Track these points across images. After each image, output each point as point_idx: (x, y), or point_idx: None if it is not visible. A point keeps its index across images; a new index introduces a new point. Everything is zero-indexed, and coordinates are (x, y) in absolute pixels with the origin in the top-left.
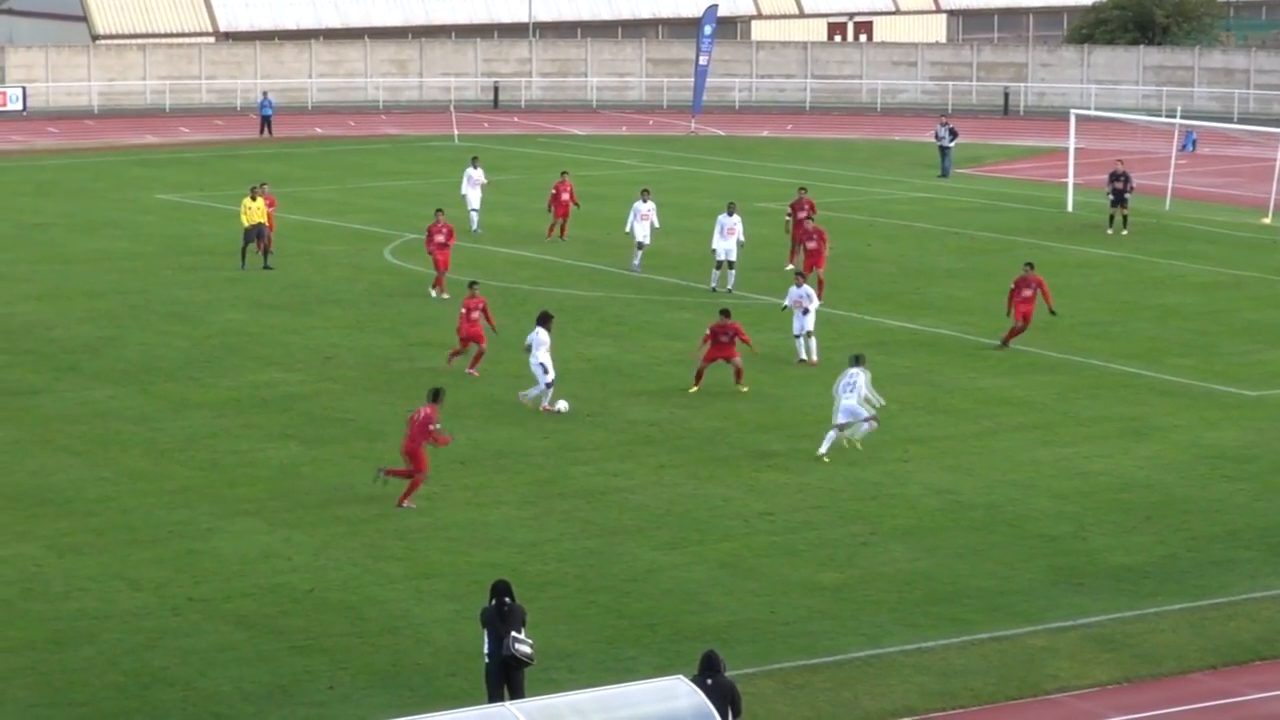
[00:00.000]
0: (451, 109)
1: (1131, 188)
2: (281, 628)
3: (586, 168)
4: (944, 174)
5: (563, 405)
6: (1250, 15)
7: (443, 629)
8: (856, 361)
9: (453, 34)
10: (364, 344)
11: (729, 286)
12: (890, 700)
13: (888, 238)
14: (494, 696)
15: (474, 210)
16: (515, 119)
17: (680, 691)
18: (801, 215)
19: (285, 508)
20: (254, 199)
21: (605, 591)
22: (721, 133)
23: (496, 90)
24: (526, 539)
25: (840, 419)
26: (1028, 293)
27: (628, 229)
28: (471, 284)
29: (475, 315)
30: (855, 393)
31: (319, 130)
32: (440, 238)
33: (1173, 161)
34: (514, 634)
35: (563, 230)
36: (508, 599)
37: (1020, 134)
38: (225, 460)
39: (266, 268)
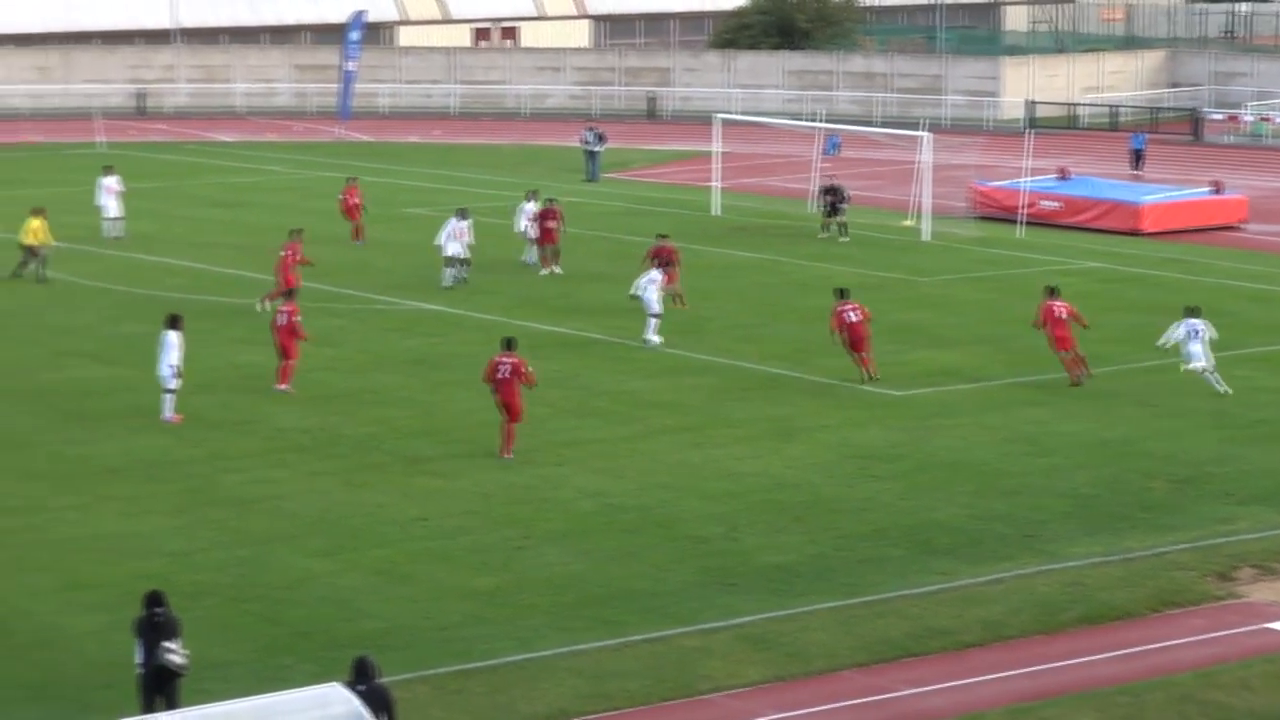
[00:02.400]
0: (97, 116)
1: (846, 199)
2: None
3: (235, 174)
4: (591, 178)
5: (173, 417)
6: (889, 20)
7: (95, 641)
8: (1196, 313)
9: (97, 40)
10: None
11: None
12: (545, 703)
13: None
14: (147, 708)
15: (114, 219)
16: (162, 126)
17: (335, 698)
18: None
19: None
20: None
21: (259, 600)
22: (369, 138)
23: (143, 97)
24: (179, 548)
25: (1194, 364)
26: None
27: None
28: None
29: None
30: (1200, 340)
31: None
32: (288, 256)
33: (815, 164)
34: (166, 644)
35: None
36: (161, 609)
37: (666, 138)
38: None
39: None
